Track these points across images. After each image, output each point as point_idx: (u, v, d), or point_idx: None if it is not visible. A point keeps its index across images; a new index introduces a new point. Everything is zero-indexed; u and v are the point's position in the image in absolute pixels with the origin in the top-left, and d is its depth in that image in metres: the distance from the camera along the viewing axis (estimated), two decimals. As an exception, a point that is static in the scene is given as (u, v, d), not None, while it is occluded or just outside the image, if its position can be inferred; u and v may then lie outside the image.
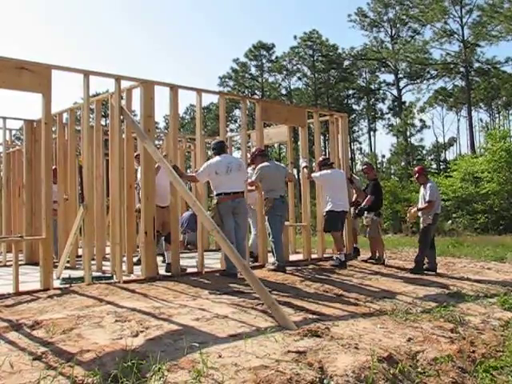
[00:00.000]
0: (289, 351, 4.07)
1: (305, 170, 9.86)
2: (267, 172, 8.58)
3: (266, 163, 8.70)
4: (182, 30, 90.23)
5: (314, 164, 10.39)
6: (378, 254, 10.30)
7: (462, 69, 47.21)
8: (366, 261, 10.21)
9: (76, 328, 4.57)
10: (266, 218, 8.58)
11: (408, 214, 10.06)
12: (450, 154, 58.16)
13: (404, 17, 51.03)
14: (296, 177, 11.46)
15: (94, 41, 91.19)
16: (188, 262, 8.65)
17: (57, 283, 6.79)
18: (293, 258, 9.90)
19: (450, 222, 25.91)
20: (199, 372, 3.51)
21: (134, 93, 7.76)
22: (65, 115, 9.68)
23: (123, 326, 4.65)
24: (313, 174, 9.70)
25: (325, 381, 3.62)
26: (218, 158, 7.80)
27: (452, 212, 26.55)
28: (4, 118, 10.34)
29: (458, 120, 58.39)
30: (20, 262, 6.86)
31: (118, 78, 7.39)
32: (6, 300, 5.82)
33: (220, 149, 7.95)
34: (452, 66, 48.04)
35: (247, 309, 5.52)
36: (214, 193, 7.74)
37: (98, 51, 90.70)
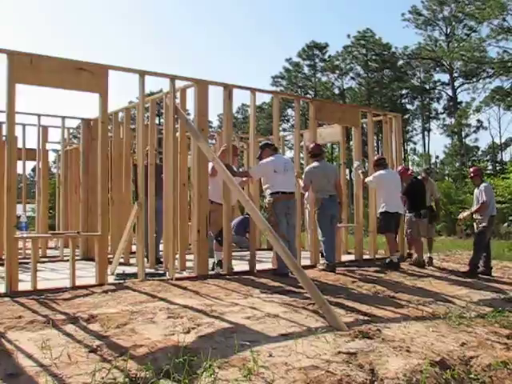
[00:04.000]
0: (339, 352, 4.05)
1: (360, 175, 9.78)
2: (314, 172, 8.56)
3: (314, 164, 8.69)
4: (235, 30, 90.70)
5: (366, 164, 10.29)
6: (414, 256, 10.05)
7: (520, 67, 45.84)
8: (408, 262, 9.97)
9: (129, 323, 4.66)
10: (316, 218, 8.56)
11: (460, 216, 9.85)
12: (506, 155, 56.54)
13: (460, 14, 49.83)
14: (348, 178, 11.37)
15: (147, 41, 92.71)
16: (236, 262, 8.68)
17: (111, 279, 6.95)
18: (345, 258, 9.83)
19: (506, 224, 25.16)
20: (250, 370, 3.53)
21: (188, 92, 7.86)
22: (120, 114, 9.87)
23: (175, 323, 4.71)
24: (366, 179, 9.60)
25: (375, 383, 3.58)
26: (272, 157, 7.82)
27: (508, 214, 25.74)
28: (63, 118, 10.63)
29: (516, 120, 56.61)
30: (76, 258, 7.03)
31: (172, 78, 7.49)
32: (63, 293, 5.99)
33: (273, 148, 8.01)
34: (510, 64, 46.64)
35: (298, 308, 5.52)
36: (268, 191, 7.76)
37: (152, 52, 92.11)
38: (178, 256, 7.76)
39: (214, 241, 8.04)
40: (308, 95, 53.18)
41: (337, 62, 56.89)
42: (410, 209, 10.00)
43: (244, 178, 8.34)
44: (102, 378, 3.33)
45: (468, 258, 10.29)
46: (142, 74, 7.28)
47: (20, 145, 11.16)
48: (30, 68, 6.14)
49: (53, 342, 4.03)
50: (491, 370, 4.16)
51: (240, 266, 8.25)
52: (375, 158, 9.97)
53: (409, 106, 57.71)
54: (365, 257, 9.89)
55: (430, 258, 10.30)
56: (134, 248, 9.26)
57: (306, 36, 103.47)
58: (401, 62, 55.93)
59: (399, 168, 10.32)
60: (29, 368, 3.47)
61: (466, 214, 9.80)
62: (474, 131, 54.75)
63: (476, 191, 9.60)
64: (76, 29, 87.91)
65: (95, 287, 6.37)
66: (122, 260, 8.56)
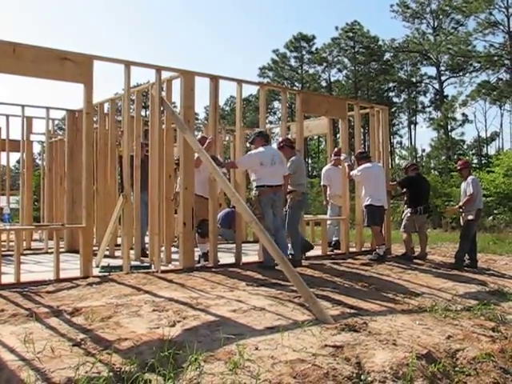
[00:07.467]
0: (326, 345, 4.03)
1: (346, 167, 9.73)
2: (299, 165, 8.51)
3: (296, 155, 8.58)
4: (222, 21, 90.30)
5: (352, 157, 10.26)
6: (406, 250, 10.06)
7: (506, 61, 46.05)
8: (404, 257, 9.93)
9: (114, 316, 4.62)
10: (290, 210, 8.34)
11: (448, 208, 9.89)
12: (491, 149, 56.89)
13: (447, 8, 49.96)
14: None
15: (133, 33, 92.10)
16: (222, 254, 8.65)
17: (96, 271, 6.89)
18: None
19: (491, 218, 25.28)
20: (235, 363, 3.51)
21: (174, 83, 7.78)
22: (106, 105, 9.77)
23: (160, 316, 4.68)
24: (352, 173, 9.55)
25: (362, 376, 3.57)
26: (261, 148, 7.73)
27: (493, 208, 25.88)
28: (47, 108, 10.51)
29: (502, 114, 56.89)
30: (60, 250, 6.97)
31: (158, 69, 7.42)
32: (47, 286, 5.93)
33: (266, 139, 7.94)
34: (496, 58, 46.85)
35: (284, 301, 5.50)
36: (255, 184, 7.71)
37: (138, 43, 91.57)
38: (163, 248, 7.72)
39: (196, 234, 7.96)
40: (295, 87, 53.11)
41: (324, 54, 56.87)
42: (407, 203, 10.03)
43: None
44: (86, 371, 3.29)
45: (454, 251, 10.33)
46: (128, 64, 7.20)
47: (4, 136, 11.06)
48: (13, 57, 6.04)
49: (36, 335, 3.98)
50: (477, 363, 4.16)
51: (226, 258, 8.21)
52: (358, 151, 9.96)
53: (395, 99, 57.93)
54: (351, 250, 9.88)
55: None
56: (119, 240, 9.20)
57: (293, 27, 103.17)
58: (388, 55, 56.06)
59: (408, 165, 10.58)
60: (11, 362, 3.42)
61: (456, 206, 9.84)
62: (460, 125, 55.08)
63: (463, 184, 9.63)
64: (61, 19, 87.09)
65: (80, 280, 6.31)
66: (107, 252, 8.51)
